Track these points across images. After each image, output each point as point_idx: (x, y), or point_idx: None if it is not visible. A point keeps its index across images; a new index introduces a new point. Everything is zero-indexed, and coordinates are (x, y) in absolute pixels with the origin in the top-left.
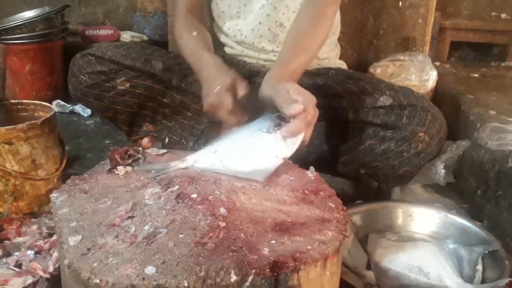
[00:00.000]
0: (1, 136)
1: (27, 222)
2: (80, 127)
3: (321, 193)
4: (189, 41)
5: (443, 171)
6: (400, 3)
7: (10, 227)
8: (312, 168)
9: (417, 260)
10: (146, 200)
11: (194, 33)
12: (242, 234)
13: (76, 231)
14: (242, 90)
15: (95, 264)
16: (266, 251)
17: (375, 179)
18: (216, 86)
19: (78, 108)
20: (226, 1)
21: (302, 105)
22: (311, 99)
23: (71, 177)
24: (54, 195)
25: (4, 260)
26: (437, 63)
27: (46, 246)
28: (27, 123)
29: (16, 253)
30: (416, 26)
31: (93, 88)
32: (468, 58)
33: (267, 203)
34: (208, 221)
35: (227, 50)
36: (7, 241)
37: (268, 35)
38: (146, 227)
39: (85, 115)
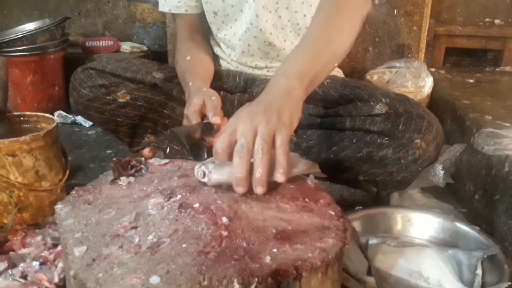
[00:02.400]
0: (5, 148)
1: (31, 233)
2: (82, 137)
3: (321, 200)
4: (182, 66)
5: (441, 172)
6: (395, 10)
7: (15, 238)
8: (311, 176)
9: (417, 266)
10: (149, 210)
11: (188, 58)
12: (244, 243)
13: (81, 242)
14: (209, 104)
15: (101, 274)
16: (268, 259)
17: (373, 185)
18: (185, 109)
19: (80, 118)
20: (214, 25)
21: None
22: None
23: (75, 188)
24: (58, 206)
25: (9, 271)
26: (433, 69)
27: (51, 257)
28: (30, 135)
29: (22, 264)
30: (411, 33)
31: (94, 101)
32: (462, 64)
33: (268, 211)
34: (210, 230)
35: (224, 64)
36: (12, 252)
37: (259, 53)
38: (150, 237)
39: (87, 125)
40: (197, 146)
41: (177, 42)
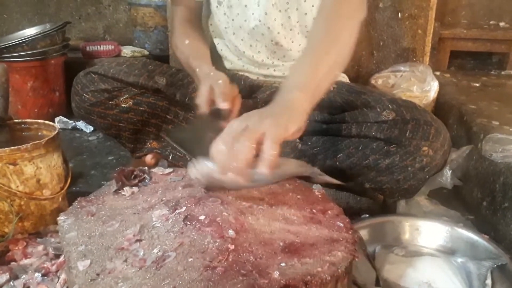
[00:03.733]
0: (6, 157)
1: (32, 242)
2: (83, 143)
3: (329, 212)
4: (183, 51)
5: (449, 172)
6: (400, 14)
7: (16, 248)
8: (319, 185)
9: (426, 276)
10: (154, 223)
11: (186, 42)
12: (251, 257)
13: (84, 255)
14: (217, 88)
15: None
16: (276, 274)
17: (380, 193)
18: (197, 97)
19: (81, 124)
20: (216, 16)
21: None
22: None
23: (78, 199)
24: (61, 218)
25: (11, 283)
26: (438, 73)
27: (53, 268)
28: (31, 143)
29: (23, 276)
30: (416, 37)
31: (96, 106)
32: (467, 67)
33: (275, 223)
34: (216, 243)
35: (227, 65)
36: (13, 263)
37: (266, 51)
38: (155, 251)
39: (88, 131)
40: (200, 144)
41: (173, 26)
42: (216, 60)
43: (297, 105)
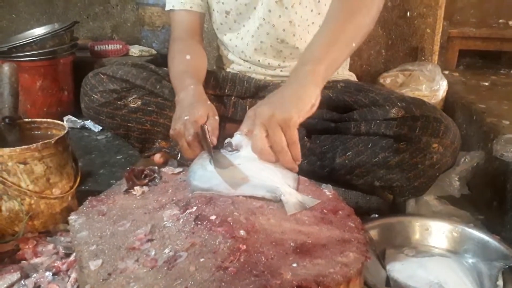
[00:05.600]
0: (16, 156)
1: (42, 241)
2: (92, 142)
3: (340, 212)
4: (179, 64)
5: (457, 183)
6: (408, 13)
7: (26, 247)
8: (329, 186)
9: (436, 276)
10: (165, 222)
11: (188, 57)
12: (263, 257)
13: (96, 255)
14: (211, 123)
15: None
16: (288, 275)
17: (390, 191)
18: (186, 115)
19: (89, 123)
20: (218, 18)
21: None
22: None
23: (88, 198)
24: (72, 217)
25: (22, 282)
26: (446, 72)
27: (64, 267)
28: (41, 142)
29: (34, 275)
30: (425, 36)
31: (105, 106)
32: (476, 66)
33: (286, 223)
34: (228, 244)
35: (235, 67)
36: (24, 262)
37: (272, 51)
38: (166, 251)
39: (96, 130)
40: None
41: (172, 39)
42: (225, 62)
43: (309, 79)
